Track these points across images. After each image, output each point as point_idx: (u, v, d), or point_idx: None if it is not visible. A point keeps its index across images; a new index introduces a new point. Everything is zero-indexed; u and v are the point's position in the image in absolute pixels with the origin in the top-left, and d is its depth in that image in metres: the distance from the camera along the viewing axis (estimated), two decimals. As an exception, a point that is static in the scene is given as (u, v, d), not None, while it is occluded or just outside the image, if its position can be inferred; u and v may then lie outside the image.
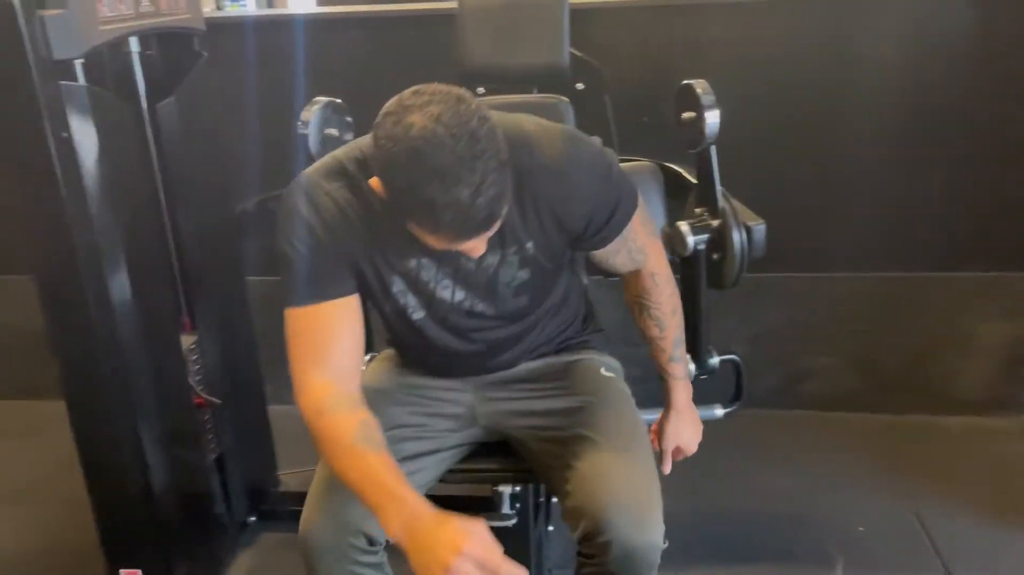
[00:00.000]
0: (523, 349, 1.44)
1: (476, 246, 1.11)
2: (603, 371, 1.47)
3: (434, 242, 1.07)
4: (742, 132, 1.90)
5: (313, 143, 1.56)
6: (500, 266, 1.27)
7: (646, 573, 1.24)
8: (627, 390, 1.48)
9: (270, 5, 3.15)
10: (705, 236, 1.68)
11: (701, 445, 1.55)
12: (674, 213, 1.79)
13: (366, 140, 1.15)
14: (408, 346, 1.45)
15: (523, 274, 1.29)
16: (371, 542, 1.28)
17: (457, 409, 1.44)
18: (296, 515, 1.26)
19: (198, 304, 1.85)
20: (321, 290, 1.20)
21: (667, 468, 1.49)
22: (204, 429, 1.89)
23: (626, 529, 1.21)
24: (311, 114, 1.56)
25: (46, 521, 2.18)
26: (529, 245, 1.26)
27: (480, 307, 1.32)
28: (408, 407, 1.41)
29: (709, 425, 1.59)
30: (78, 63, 1.43)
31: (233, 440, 1.97)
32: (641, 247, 1.40)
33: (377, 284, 1.26)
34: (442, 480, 1.46)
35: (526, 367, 1.47)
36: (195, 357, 1.86)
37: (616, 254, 1.38)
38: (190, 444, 1.82)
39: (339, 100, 1.65)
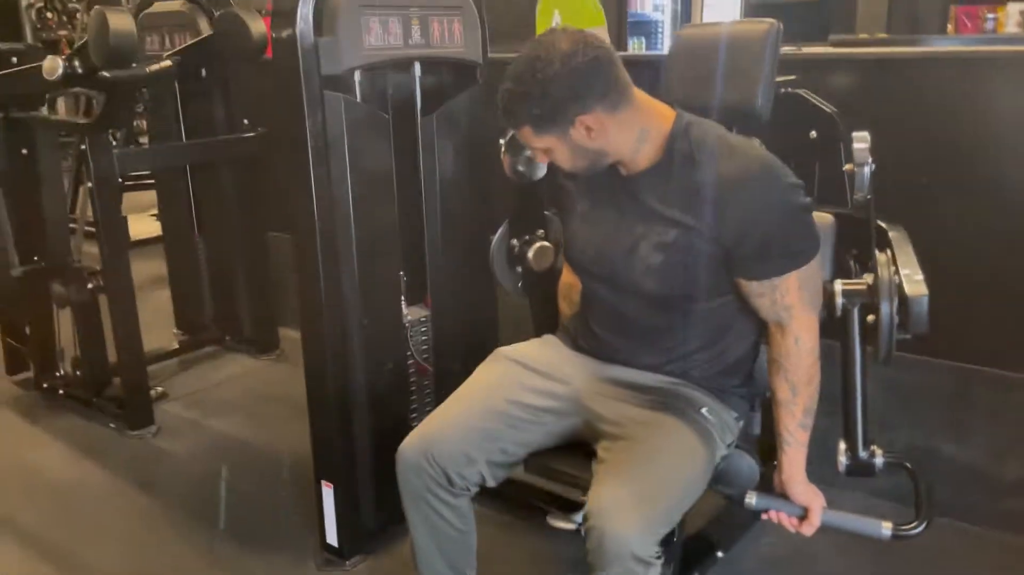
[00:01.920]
0: (653, 351, 1.55)
1: (530, 146, 1.47)
2: (704, 411, 1.49)
3: None
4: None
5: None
6: (641, 240, 1.47)
7: (610, 562, 1.29)
8: (712, 428, 1.48)
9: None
10: (857, 299, 1.56)
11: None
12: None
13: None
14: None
15: (656, 257, 1.44)
16: (451, 482, 1.49)
17: (566, 390, 1.58)
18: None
19: (435, 285, 2.21)
20: None
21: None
22: (412, 390, 2.24)
23: (606, 517, 1.27)
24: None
25: (279, 423, 2.79)
26: (672, 233, 1.42)
27: (616, 269, 1.52)
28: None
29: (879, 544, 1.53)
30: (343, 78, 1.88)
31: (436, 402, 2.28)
32: (788, 306, 1.44)
33: None
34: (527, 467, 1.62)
35: (642, 375, 1.55)
36: (424, 328, 2.22)
37: (760, 296, 1.43)
38: (397, 398, 2.19)
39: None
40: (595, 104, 1.38)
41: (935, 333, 2.15)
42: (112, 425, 2.89)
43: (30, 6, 8.75)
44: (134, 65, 2.28)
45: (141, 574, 2.13)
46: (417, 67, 2.10)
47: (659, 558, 1.31)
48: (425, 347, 2.24)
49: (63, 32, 7.92)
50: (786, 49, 1.98)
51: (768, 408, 1.65)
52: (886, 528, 1.51)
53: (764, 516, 1.55)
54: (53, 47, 8.30)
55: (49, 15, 8.41)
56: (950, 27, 6.92)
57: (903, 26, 6.73)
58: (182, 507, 2.41)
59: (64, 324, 3.05)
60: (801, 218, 1.42)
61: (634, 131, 1.45)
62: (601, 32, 4.55)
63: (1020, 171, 2.05)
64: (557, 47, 1.33)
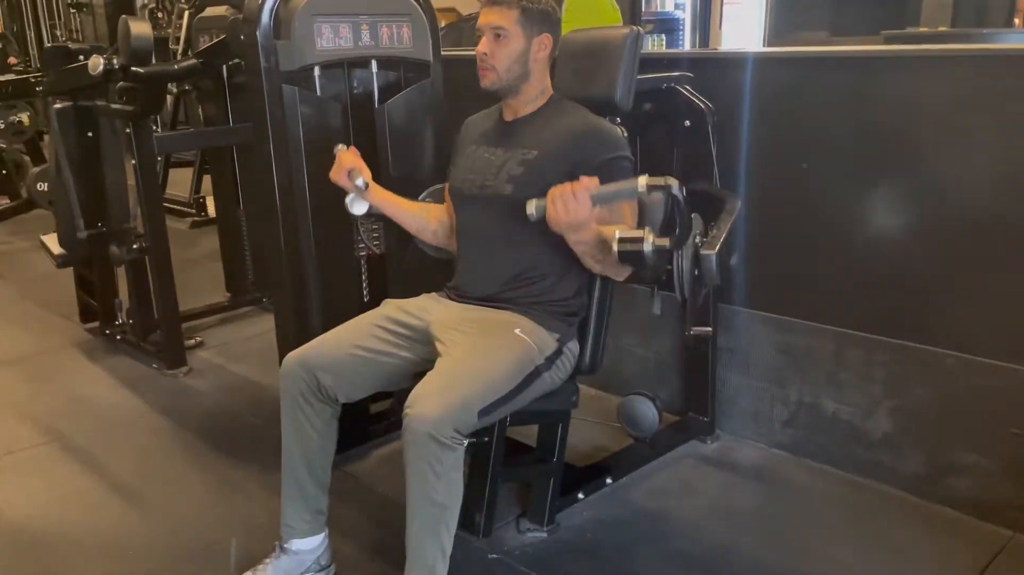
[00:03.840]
0: (491, 280, 1.96)
1: (487, 23, 1.92)
2: (517, 331, 1.86)
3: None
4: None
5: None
6: (509, 159, 1.95)
7: (412, 443, 1.64)
8: (524, 345, 1.84)
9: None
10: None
11: (815, 508, 2.10)
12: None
13: None
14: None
15: (518, 169, 1.93)
16: (319, 387, 1.90)
17: (421, 324, 1.97)
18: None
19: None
20: None
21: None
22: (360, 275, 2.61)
23: (411, 404, 1.65)
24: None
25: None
26: (534, 153, 1.93)
27: (485, 183, 1.95)
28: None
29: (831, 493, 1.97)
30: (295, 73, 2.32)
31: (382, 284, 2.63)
32: (623, 219, 1.87)
33: None
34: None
35: (479, 311, 1.95)
36: (376, 224, 2.59)
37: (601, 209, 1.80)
38: (349, 283, 2.58)
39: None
40: (554, 39, 1.97)
41: (817, 301, 2.46)
42: (154, 365, 3.45)
43: (144, 6, 9.67)
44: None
45: (147, 477, 2.63)
46: (374, 64, 2.52)
47: (459, 444, 1.66)
48: (376, 235, 2.61)
49: (170, 30, 8.75)
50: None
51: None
52: (641, 184, 1.66)
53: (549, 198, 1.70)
54: (163, 43, 9.18)
55: (160, 14, 9.28)
56: (1017, 21, 6.85)
57: (969, 19, 6.71)
58: (194, 430, 2.92)
59: (123, 280, 3.64)
60: (628, 166, 1.92)
61: (544, 81, 2.02)
62: (616, 30, 4.86)
63: (885, 156, 2.30)
64: None
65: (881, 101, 2.28)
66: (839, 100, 2.35)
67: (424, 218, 2.20)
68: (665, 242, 1.68)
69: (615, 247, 1.67)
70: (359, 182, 2.01)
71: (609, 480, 2.42)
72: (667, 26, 5.08)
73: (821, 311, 2.45)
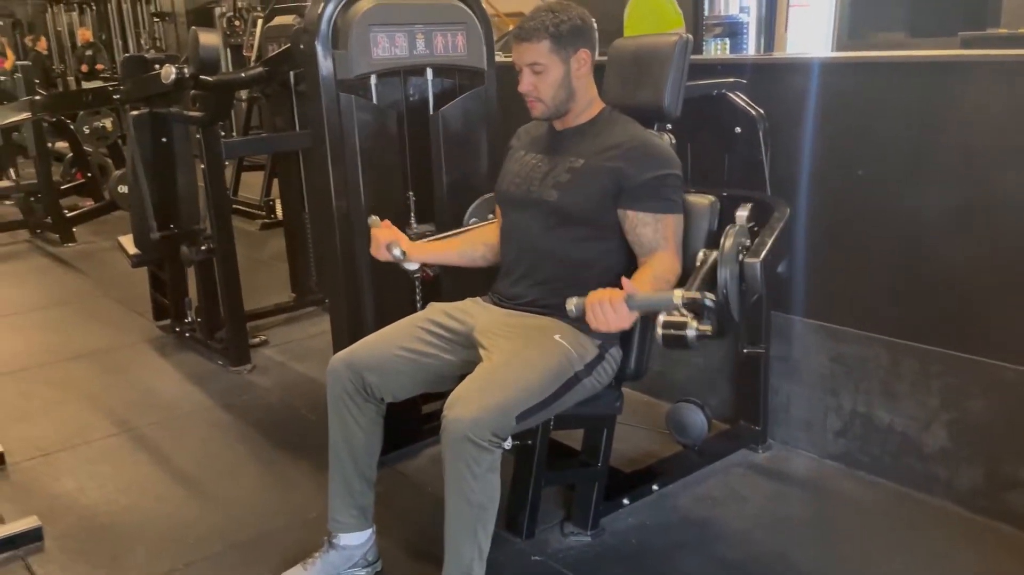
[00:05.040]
0: (536, 286, 1.99)
1: (521, 60, 1.94)
2: (557, 337, 1.88)
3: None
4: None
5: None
6: (557, 166, 1.99)
7: (449, 444, 1.68)
8: (563, 351, 1.85)
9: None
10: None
11: (867, 521, 2.07)
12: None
13: None
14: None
15: (565, 176, 1.96)
16: (367, 390, 1.96)
17: (465, 328, 2.01)
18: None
19: (440, 207, 2.59)
20: None
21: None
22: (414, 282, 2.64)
23: (450, 407, 1.69)
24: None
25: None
26: (581, 162, 1.96)
27: (531, 187, 2.00)
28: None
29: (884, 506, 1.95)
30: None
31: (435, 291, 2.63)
32: (666, 237, 1.93)
33: None
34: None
35: (521, 316, 1.98)
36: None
37: (645, 226, 1.91)
38: (402, 289, 2.62)
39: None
40: (591, 49, 1.96)
41: (871, 310, 2.42)
42: (220, 362, 3.58)
43: (222, 15, 10.01)
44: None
45: (207, 468, 2.73)
46: (429, 72, 2.57)
47: (496, 447, 1.69)
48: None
49: (246, 37, 9.04)
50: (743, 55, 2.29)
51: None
52: (677, 297, 1.62)
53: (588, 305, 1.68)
54: (239, 50, 9.49)
55: (237, 23, 9.59)
56: (1109, 23, 6.56)
57: (1052, 20, 6.45)
58: (254, 425, 3.02)
59: (193, 280, 3.78)
60: (675, 184, 1.93)
61: (591, 91, 2.02)
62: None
63: (947, 168, 2.25)
64: (557, 7, 1.94)
65: (943, 108, 2.23)
66: (896, 106, 2.31)
67: (471, 250, 2.21)
68: (708, 329, 1.67)
69: (659, 331, 1.69)
70: (396, 252, 2.08)
71: (655, 487, 2.42)
72: (731, 29, 5.03)
73: (875, 321, 2.41)
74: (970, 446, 2.29)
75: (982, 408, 2.25)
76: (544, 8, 1.94)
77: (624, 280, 1.67)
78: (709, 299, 1.65)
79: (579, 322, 1.74)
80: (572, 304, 1.68)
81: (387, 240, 2.08)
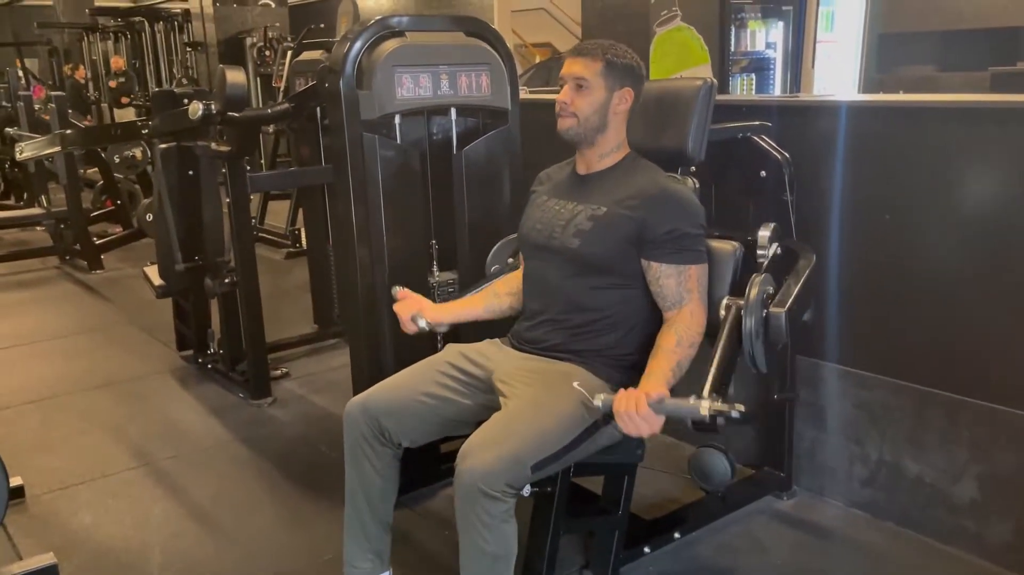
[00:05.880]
0: (557, 331, 1.96)
1: (570, 73, 1.93)
2: (575, 384, 1.85)
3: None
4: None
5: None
6: (579, 213, 1.96)
7: (462, 494, 1.67)
8: (583, 398, 1.80)
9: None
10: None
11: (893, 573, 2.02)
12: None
13: None
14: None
15: (587, 223, 1.93)
16: (382, 432, 1.94)
17: (484, 373, 1.99)
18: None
19: (462, 253, 2.62)
20: None
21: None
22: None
23: (464, 457, 1.68)
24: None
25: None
26: (604, 209, 1.92)
27: (553, 234, 1.97)
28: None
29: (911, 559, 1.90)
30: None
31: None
32: (690, 289, 1.88)
33: None
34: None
35: (541, 361, 1.95)
36: (452, 289, 2.61)
37: (668, 277, 1.88)
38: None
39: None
40: (636, 93, 1.97)
41: (895, 357, 2.37)
42: (241, 395, 3.58)
43: (252, 45, 10.15)
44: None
45: (223, 505, 2.72)
46: (453, 112, 2.58)
47: (510, 497, 1.67)
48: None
49: (275, 67, 9.17)
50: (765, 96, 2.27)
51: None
52: (704, 408, 1.63)
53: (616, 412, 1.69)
54: (268, 79, 9.62)
55: (267, 53, 9.74)
56: None
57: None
58: (272, 460, 3.01)
59: (216, 312, 3.80)
60: (698, 234, 1.89)
61: (621, 134, 2.01)
62: (704, 70, 4.84)
63: (977, 214, 2.21)
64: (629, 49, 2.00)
65: (974, 153, 2.20)
66: (925, 151, 2.28)
67: (497, 303, 2.20)
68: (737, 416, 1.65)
69: (688, 424, 1.68)
70: (422, 324, 2.13)
71: (677, 535, 2.37)
72: (757, 65, 5.01)
73: (902, 368, 2.36)
74: (1001, 499, 2.22)
75: (1013, 460, 2.19)
76: (607, 40, 1.99)
77: (648, 385, 1.70)
78: (737, 411, 1.62)
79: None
80: (600, 400, 1.69)
81: (411, 313, 2.11)
